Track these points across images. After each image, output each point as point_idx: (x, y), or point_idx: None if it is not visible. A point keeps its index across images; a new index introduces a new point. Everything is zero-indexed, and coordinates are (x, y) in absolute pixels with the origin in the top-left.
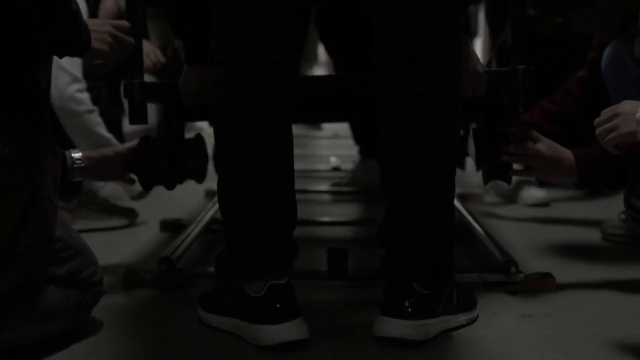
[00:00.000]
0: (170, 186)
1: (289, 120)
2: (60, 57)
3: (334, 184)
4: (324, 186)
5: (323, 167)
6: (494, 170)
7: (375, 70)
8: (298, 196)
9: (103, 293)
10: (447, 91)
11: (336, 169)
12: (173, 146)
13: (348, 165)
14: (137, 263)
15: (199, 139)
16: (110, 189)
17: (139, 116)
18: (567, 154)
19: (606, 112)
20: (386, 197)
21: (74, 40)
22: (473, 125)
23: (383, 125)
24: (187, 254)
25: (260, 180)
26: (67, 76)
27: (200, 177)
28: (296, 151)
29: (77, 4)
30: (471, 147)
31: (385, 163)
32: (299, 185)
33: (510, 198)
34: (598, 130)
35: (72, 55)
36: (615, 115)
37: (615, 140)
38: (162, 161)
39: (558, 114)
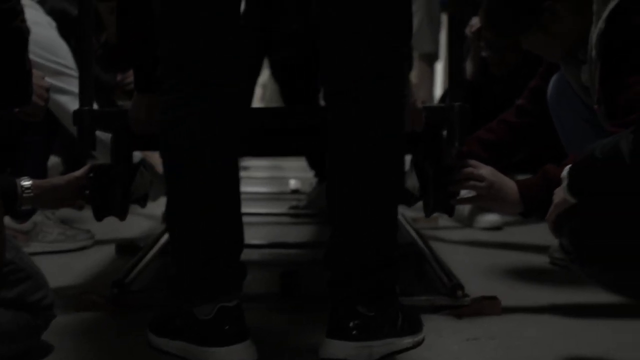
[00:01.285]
0: (122, 216)
1: (236, 147)
2: (2, 109)
3: (292, 207)
4: (283, 209)
5: (283, 189)
6: (438, 202)
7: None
8: (257, 219)
9: (54, 316)
10: (390, 119)
11: (296, 191)
12: (125, 174)
13: (308, 188)
14: (91, 285)
15: (144, 164)
16: (66, 211)
17: (87, 144)
18: (510, 182)
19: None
20: (332, 219)
21: (23, 97)
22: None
23: (329, 150)
24: (141, 277)
25: (206, 206)
26: (73, 97)
27: (143, 203)
28: (256, 174)
29: (30, 64)
30: (411, 180)
31: (331, 186)
32: (258, 207)
33: (466, 222)
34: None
35: (13, 107)
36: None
37: (552, 214)
38: (117, 190)
39: (493, 142)
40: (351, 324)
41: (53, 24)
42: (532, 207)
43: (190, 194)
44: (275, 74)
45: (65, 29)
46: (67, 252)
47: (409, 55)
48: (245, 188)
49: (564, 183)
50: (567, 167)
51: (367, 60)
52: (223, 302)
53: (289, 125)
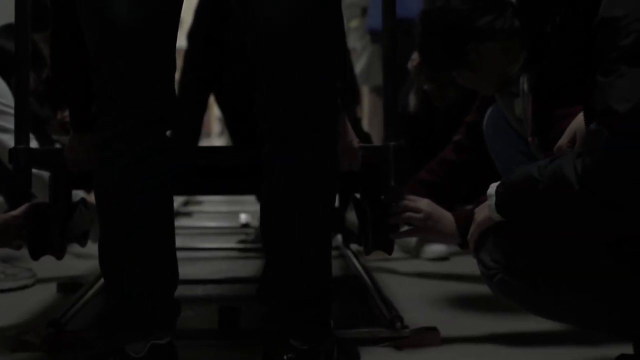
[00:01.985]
0: (59, 255)
1: (169, 184)
2: None
3: (240, 241)
4: (232, 243)
5: (233, 224)
6: (376, 239)
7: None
8: (205, 254)
9: None
10: (322, 161)
11: (246, 225)
12: (63, 213)
13: (257, 222)
14: (30, 325)
15: (83, 201)
16: (6, 249)
17: (23, 182)
18: (447, 214)
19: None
20: (265, 252)
21: None
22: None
23: (263, 186)
24: (79, 315)
25: (139, 243)
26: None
27: (83, 241)
28: (207, 208)
29: None
30: (350, 218)
31: (263, 223)
32: (208, 242)
33: (414, 253)
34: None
35: None
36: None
37: (475, 232)
38: (54, 230)
39: (435, 183)
40: (285, 358)
41: None
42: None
43: (119, 233)
44: (220, 107)
45: (4, 67)
46: (8, 292)
47: (351, 89)
48: (196, 222)
49: (490, 201)
50: (493, 186)
51: (296, 101)
52: (155, 339)
53: (234, 164)
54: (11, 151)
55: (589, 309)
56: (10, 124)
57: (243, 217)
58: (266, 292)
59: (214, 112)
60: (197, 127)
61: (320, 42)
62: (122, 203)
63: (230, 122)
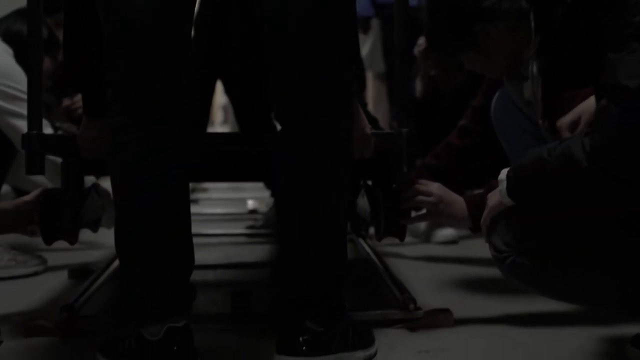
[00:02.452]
0: (72, 240)
1: (181, 170)
2: None
3: (249, 227)
4: (240, 229)
5: (241, 210)
6: (388, 226)
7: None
8: (214, 239)
9: (1, 342)
10: (336, 147)
11: (253, 211)
12: (75, 199)
13: (265, 208)
14: (42, 311)
15: (95, 187)
16: (17, 237)
17: (36, 167)
18: (458, 198)
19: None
20: (280, 236)
21: None
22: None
23: (277, 172)
24: (91, 301)
25: (155, 227)
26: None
27: (95, 227)
28: (215, 195)
29: None
30: (362, 205)
31: (280, 206)
32: (216, 228)
33: (423, 238)
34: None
35: None
36: (491, 188)
37: (487, 217)
38: (66, 215)
39: (441, 168)
40: (300, 339)
41: (10, 51)
42: (479, 222)
43: (135, 216)
44: (228, 93)
45: (22, 52)
46: (18, 278)
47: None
48: (203, 209)
49: (501, 186)
50: (504, 171)
51: (310, 87)
52: (171, 322)
53: (243, 151)
54: (24, 137)
55: (601, 285)
56: (25, 110)
57: (250, 203)
58: (282, 276)
59: (217, 100)
60: (204, 114)
61: (335, 28)
62: (137, 187)
63: (238, 110)
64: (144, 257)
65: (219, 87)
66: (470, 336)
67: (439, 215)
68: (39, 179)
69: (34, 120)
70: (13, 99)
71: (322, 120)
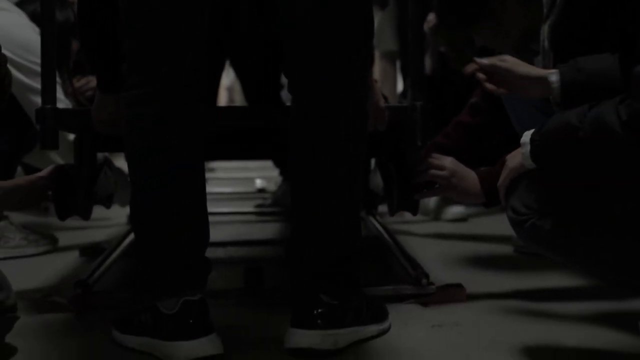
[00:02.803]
0: (86, 216)
1: (197, 144)
2: None
3: (257, 206)
4: (249, 207)
5: (249, 189)
6: (401, 200)
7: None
8: (223, 218)
9: (17, 318)
10: (352, 119)
11: (262, 190)
12: (88, 175)
13: (274, 187)
14: (55, 288)
15: (107, 163)
16: (29, 216)
17: (50, 142)
18: (471, 172)
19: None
20: (294, 211)
21: None
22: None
23: (291, 145)
24: (105, 277)
25: (171, 201)
26: (60, 104)
27: (108, 203)
28: (222, 174)
29: None
30: (375, 180)
31: (294, 179)
32: (225, 207)
33: (432, 215)
34: (498, 184)
35: None
36: (503, 164)
37: (507, 178)
38: (79, 191)
39: (451, 148)
40: (315, 313)
41: (37, 29)
42: (493, 197)
43: (150, 191)
44: (236, 70)
45: None
46: (30, 257)
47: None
48: (212, 188)
49: (524, 149)
50: (527, 134)
51: (327, 60)
52: (187, 296)
53: (252, 126)
54: (38, 111)
55: (625, 255)
56: None
57: (259, 182)
58: (296, 249)
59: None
60: (214, 89)
61: (351, 8)
62: (152, 161)
63: (246, 87)
64: (160, 231)
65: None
66: (482, 311)
67: (451, 190)
68: (53, 156)
69: (47, 94)
70: (35, 74)
71: (337, 93)
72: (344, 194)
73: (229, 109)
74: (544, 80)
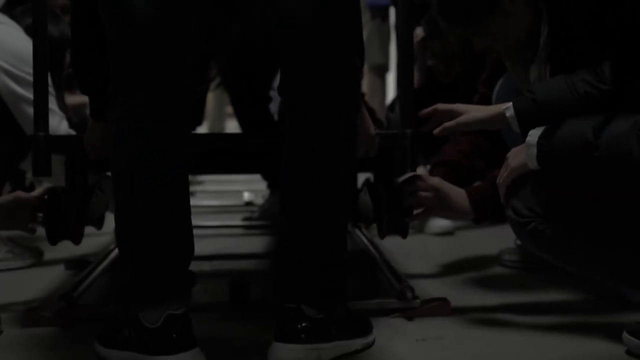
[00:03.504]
0: (77, 241)
1: (182, 157)
2: None
3: (245, 219)
4: (236, 221)
5: (237, 202)
6: (391, 224)
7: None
8: (210, 231)
9: (1, 332)
10: (342, 136)
11: (249, 203)
12: (80, 199)
13: (261, 200)
14: (40, 302)
15: (99, 186)
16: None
17: (42, 169)
18: (458, 190)
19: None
20: (282, 221)
21: None
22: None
23: (283, 157)
24: (90, 291)
25: (153, 215)
26: (56, 116)
27: (99, 225)
28: (210, 187)
29: None
30: (364, 202)
31: (292, 178)
32: (212, 220)
33: (419, 228)
34: (498, 182)
35: None
36: (505, 161)
37: (508, 178)
38: (71, 216)
39: (470, 150)
40: (299, 327)
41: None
42: (483, 214)
43: (137, 204)
44: (225, 81)
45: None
46: (16, 270)
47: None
48: (199, 202)
49: (530, 151)
50: (534, 134)
51: (319, 79)
52: (171, 309)
53: (244, 150)
54: (31, 138)
55: (629, 263)
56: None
57: (246, 195)
58: (282, 260)
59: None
60: (199, 106)
61: (342, 26)
62: (135, 176)
63: (233, 98)
64: (144, 242)
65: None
66: (467, 325)
67: (439, 210)
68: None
69: (40, 120)
70: (29, 85)
71: (338, 93)
72: (343, 194)
73: (221, 136)
74: (501, 115)
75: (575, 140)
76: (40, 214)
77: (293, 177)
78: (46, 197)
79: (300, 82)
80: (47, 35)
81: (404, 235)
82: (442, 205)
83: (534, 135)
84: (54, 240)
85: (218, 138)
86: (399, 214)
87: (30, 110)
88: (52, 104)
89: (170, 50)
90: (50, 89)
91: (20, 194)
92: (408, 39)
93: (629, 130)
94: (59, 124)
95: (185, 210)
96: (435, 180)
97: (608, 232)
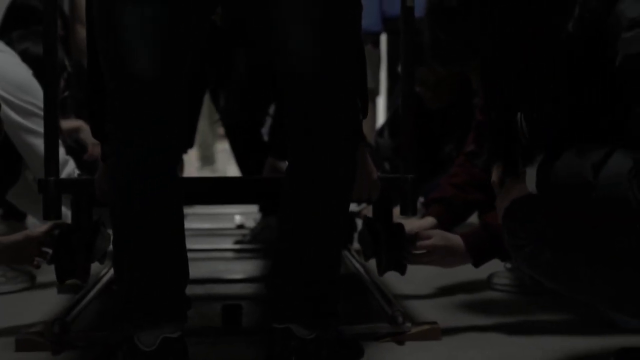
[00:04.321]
0: (85, 280)
1: (178, 183)
2: None
3: (236, 242)
4: (227, 244)
5: (228, 225)
6: (391, 262)
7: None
8: (202, 254)
9: None
10: (342, 168)
11: (241, 226)
12: (88, 239)
13: (253, 223)
14: (33, 326)
15: (102, 222)
16: None
17: (53, 212)
18: (457, 240)
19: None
20: (278, 243)
21: None
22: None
23: (284, 183)
24: (83, 315)
25: (148, 242)
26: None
27: (102, 259)
28: (201, 210)
29: None
30: (364, 238)
31: (281, 214)
32: (203, 243)
33: None
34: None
35: None
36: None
37: (507, 198)
38: (80, 255)
39: (466, 183)
40: (290, 347)
41: (29, 70)
42: (480, 258)
43: (128, 231)
44: (217, 107)
45: (41, 74)
46: (8, 294)
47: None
48: (191, 224)
49: (529, 182)
50: (531, 171)
51: (324, 114)
52: (166, 332)
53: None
54: (41, 182)
55: (625, 288)
56: (41, 127)
57: (238, 219)
58: (276, 282)
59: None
60: (192, 125)
61: (345, 72)
62: (128, 202)
63: (227, 125)
64: (140, 266)
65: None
66: (457, 348)
67: (441, 263)
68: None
69: (51, 165)
70: (30, 115)
71: (333, 133)
72: (329, 233)
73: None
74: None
75: (574, 177)
76: (46, 249)
77: (292, 201)
78: (55, 233)
79: (304, 122)
80: (59, 84)
81: (402, 272)
82: (443, 257)
83: (531, 170)
84: (63, 279)
85: (222, 182)
86: (397, 252)
87: (29, 139)
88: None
89: (168, 105)
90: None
91: (29, 232)
92: (411, 87)
93: (623, 174)
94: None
95: (178, 234)
96: (436, 239)
97: (610, 256)
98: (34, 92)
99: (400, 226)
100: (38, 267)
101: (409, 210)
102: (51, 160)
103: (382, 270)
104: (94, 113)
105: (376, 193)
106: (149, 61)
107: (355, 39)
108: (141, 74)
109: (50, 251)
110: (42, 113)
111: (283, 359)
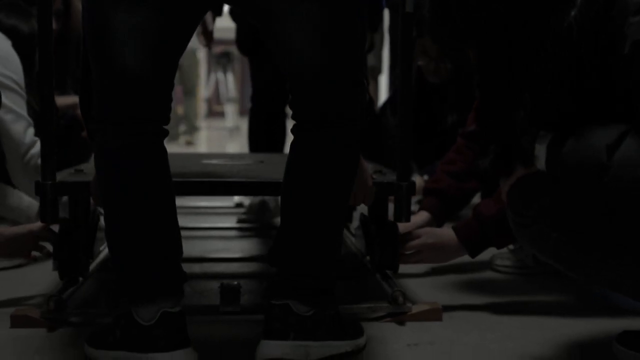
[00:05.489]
0: (85, 275)
1: (164, 162)
2: None
3: (240, 221)
4: (226, 222)
5: (227, 203)
6: (384, 260)
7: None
8: (201, 233)
9: None
10: (346, 145)
11: (239, 205)
12: (88, 237)
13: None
14: (29, 302)
15: (99, 217)
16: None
17: (50, 216)
18: (449, 234)
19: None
20: (281, 219)
21: None
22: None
23: (288, 164)
24: (79, 292)
25: (140, 219)
26: (23, 122)
27: (98, 254)
28: None
29: None
30: (359, 238)
31: (284, 195)
32: (202, 222)
33: None
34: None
35: None
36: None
37: (512, 178)
38: (81, 253)
39: (462, 172)
40: (287, 323)
41: (8, 41)
42: (474, 248)
43: (120, 210)
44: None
45: (17, 47)
46: (3, 270)
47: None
48: (189, 202)
49: (540, 153)
50: (539, 147)
51: (329, 100)
52: (165, 307)
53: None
54: (38, 185)
55: (627, 273)
56: (15, 104)
57: (236, 197)
58: (276, 258)
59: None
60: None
61: (351, 72)
62: (116, 177)
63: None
64: (134, 242)
65: None
66: (458, 329)
67: (434, 259)
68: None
69: (47, 169)
70: (4, 88)
71: (337, 118)
72: (331, 213)
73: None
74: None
75: (587, 158)
76: (42, 243)
77: (295, 179)
78: (58, 229)
79: (310, 109)
80: (52, 81)
81: (395, 270)
82: (436, 253)
83: (540, 148)
84: (64, 275)
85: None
86: (390, 251)
87: (6, 116)
88: (21, 108)
89: (156, 97)
90: (21, 90)
91: (32, 226)
92: (408, 84)
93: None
94: (24, 132)
95: (170, 209)
96: (427, 237)
97: (620, 239)
98: (11, 65)
99: (394, 225)
100: (35, 259)
101: (403, 217)
102: (48, 164)
103: (375, 269)
104: (86, 91)
105: (371, 199)
106: (138, 61)
107: (361, 44)
108: (130, 70)
109: (46, 246)
110: (17, 89)
111: (280, 335)
